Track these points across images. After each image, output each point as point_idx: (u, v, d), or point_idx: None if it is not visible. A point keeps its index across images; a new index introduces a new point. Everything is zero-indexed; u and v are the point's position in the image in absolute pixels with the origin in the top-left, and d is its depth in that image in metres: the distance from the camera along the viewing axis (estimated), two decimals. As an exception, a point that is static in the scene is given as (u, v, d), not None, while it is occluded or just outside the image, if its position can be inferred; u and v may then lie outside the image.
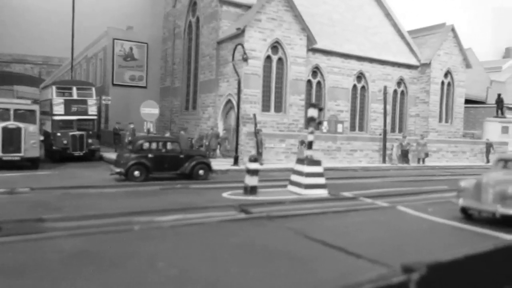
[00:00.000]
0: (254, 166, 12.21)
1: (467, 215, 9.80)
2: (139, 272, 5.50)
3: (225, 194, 12.12)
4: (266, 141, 20.32)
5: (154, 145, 14.64)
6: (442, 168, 23.53)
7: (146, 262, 5.87)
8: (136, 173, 13.95)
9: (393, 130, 28.94)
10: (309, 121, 13.34)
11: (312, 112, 13.33)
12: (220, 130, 23.06)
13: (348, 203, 11.52)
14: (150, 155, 14.30)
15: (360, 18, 30.07)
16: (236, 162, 18.30)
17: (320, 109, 13.69)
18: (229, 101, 22.60)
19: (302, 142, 21.16)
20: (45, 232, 7.27)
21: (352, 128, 26.96)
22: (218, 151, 22.01)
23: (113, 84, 31.79)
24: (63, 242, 6.74)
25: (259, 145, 19.59)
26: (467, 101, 45.41)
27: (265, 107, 22.23)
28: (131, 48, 31.89)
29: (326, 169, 19.58)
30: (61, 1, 31.30)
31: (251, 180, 12.19)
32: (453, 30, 30.12)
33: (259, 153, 19.52)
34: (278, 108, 22.73)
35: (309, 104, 14.11)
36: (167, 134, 19.76)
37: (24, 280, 5.12)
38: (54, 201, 10.37)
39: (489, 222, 9.24)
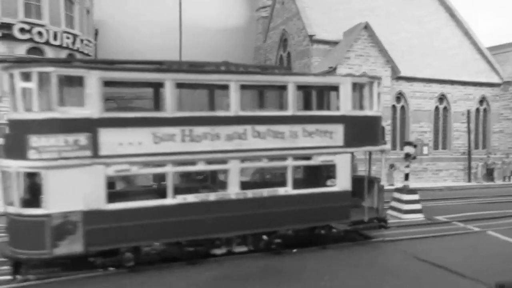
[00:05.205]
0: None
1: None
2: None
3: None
4: (359, 165, 23.09)
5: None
6: (529, 185, 24.55)
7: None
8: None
9: (476, 147, 30.07)
10: (406, 156, 16.00)
11: (408, 149, 16.01)
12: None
13: (443, 227, 13.96)
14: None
15: (438, 40, 31.62)
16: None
17: (415, 146, 16.27)
18: (321, 129, 25.66)
19: (391, 166, 23.69)
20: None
21: (435, 147, 28.67)
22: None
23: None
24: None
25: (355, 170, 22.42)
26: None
27: (355, 134, 24.97)
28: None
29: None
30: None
31: (360, 207, 15.18)
32: (536, 46, 30.56)
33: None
34: (367, 133, 25.35)
35: (404, 142, 16.73)
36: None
37: None
38: None
39: None
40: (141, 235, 8.97)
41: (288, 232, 10.53)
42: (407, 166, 16.07)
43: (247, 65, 10.62)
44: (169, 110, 9.16)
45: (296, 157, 10.59)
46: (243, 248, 10.25)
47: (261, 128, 9.97)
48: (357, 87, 11.17)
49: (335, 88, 11.25)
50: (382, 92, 11.10)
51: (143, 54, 24.21)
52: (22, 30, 20.71)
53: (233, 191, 9.87)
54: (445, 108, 29.19)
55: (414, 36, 30.78)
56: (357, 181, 11.57)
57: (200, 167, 9.70)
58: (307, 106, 12.81)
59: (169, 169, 9.22)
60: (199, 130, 9.37)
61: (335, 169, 10.96)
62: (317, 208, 10.64)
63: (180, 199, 9.35)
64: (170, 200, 9.27)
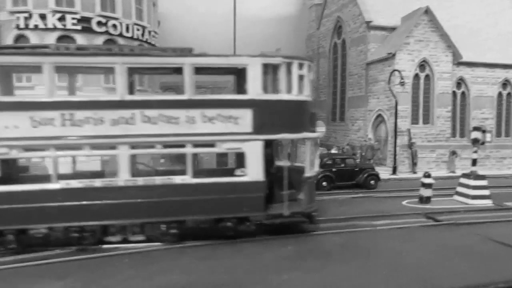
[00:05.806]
0: (428, 180, 15.32)
1: None
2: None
3: (404, 203, 15.45)
4: (418, 152, 22.99)
5: (336, 161, 18.61)
6: None
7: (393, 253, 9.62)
8: (324, 183, 18.05)
9: (543, 134, 28.86)
10: (474, 142, 15.89)
11: (476, 134, 15.88)
12: (372, 142, 26.28)
13: (514, 213, 13.93)
14: (333, 169, 18.29)
15: (501, 23, 30.38)
16: (394, 171, 21.40)
17: (484, 131, 16.10)
18: (379, 116, 25.70)
19: (453, 153, 23.38)
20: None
21: (498, 134, 27.81)
22: (371, 160, 25.27)
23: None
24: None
25: (414, 156, 22.38)
26: None
27: (414, 120, 24.79)
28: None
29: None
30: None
31: (426, 192, 15.33)
32: None
33: (414, 164, 22.31)
34: (426, 120, 25.09)
35: (473, 128, 16.57)
36: (333, 149, 23.68)
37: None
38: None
39: None
40: (22, 218, 8.98)
41: (188, 223, 9.95)
42: (475, 152, 15.96)
43: (144, 48, 9.99)
44: (48, 94, 8.97)
45: (196, 144, 9.74)
46: (140, 237, 9.87)
47: (152, 112, 9.36)
48: (270, 69, 10.01)
49: (243, 70, 9.99)
50: (308, 74, 10.18)
51: (199, 44, 25.19)
52: (99, 23, 22.26)
53: (122, 178, 9.42)
54: (509, 94, 28.17)
55: (476, 20, 29.74)
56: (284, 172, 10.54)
57: (85, 152, 9.36)
58: (240, 90, 11.43)
59: (50, 154, 9.12)
60: (80, 114, 9.06)
61: (244, 157, 9.97)
62: (224, 199, 9.84)
63: (63, 184, 9.17)
64: (52, 185, 9.13)
